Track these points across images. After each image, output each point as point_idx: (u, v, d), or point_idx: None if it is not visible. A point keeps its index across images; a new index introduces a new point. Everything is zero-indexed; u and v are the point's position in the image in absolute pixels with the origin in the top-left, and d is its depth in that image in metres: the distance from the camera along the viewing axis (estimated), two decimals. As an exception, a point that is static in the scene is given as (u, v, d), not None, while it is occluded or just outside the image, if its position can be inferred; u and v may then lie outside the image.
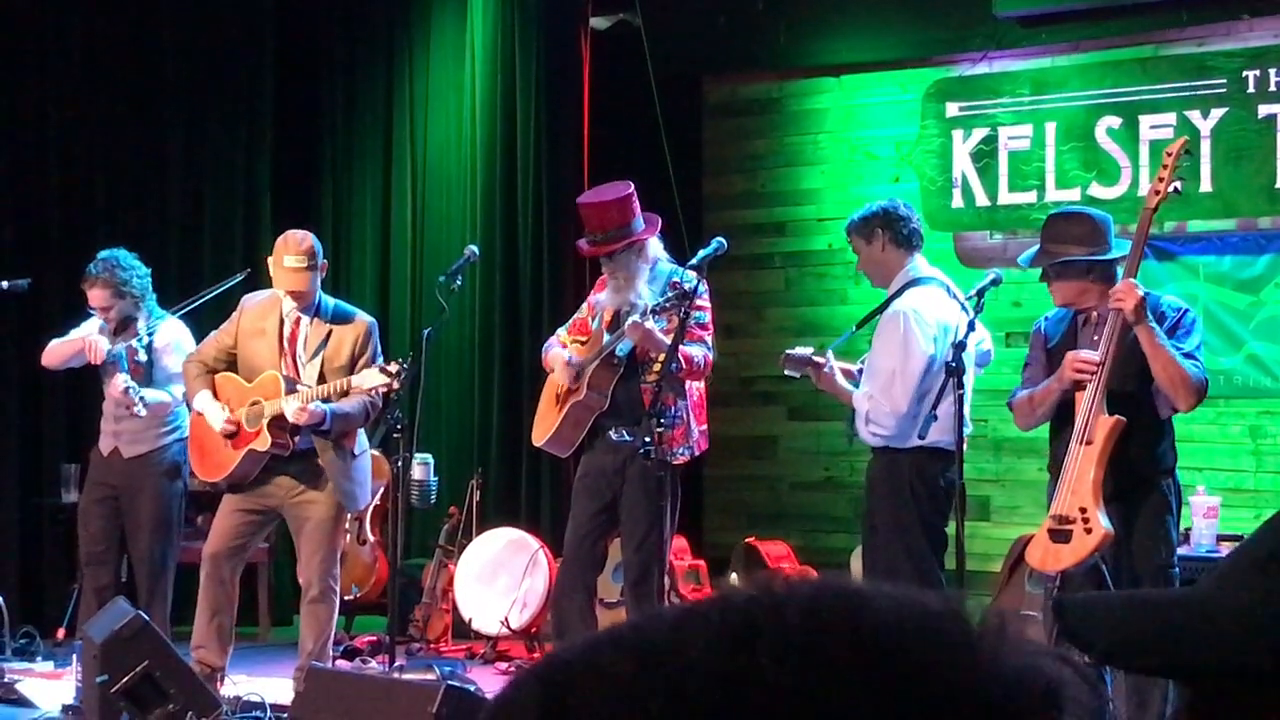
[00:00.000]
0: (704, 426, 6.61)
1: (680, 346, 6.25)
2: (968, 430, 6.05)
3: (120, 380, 7.12)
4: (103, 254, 7.31)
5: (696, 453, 6.60)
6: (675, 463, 6.36)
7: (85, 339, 7.29)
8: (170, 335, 7.36)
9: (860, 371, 6.20)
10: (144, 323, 7.32)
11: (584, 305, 6.90)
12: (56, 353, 7.41)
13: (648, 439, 6.07)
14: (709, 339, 6.50)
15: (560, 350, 6.68)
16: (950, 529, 5.97)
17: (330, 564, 6.66)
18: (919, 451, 5.92)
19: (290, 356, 6.66)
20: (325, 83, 10.03)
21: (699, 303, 6.38)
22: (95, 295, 7.29)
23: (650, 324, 6.27)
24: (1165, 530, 5.54)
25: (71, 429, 8.82)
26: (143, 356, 7.26)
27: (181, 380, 7.13)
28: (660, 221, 6.67)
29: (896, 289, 6.16)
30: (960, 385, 5.69)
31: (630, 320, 6.29)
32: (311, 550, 6.64)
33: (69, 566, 8.31)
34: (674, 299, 6.32)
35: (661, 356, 6.27)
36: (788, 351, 6.27)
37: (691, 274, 6.38)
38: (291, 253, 6.59)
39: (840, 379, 6.17)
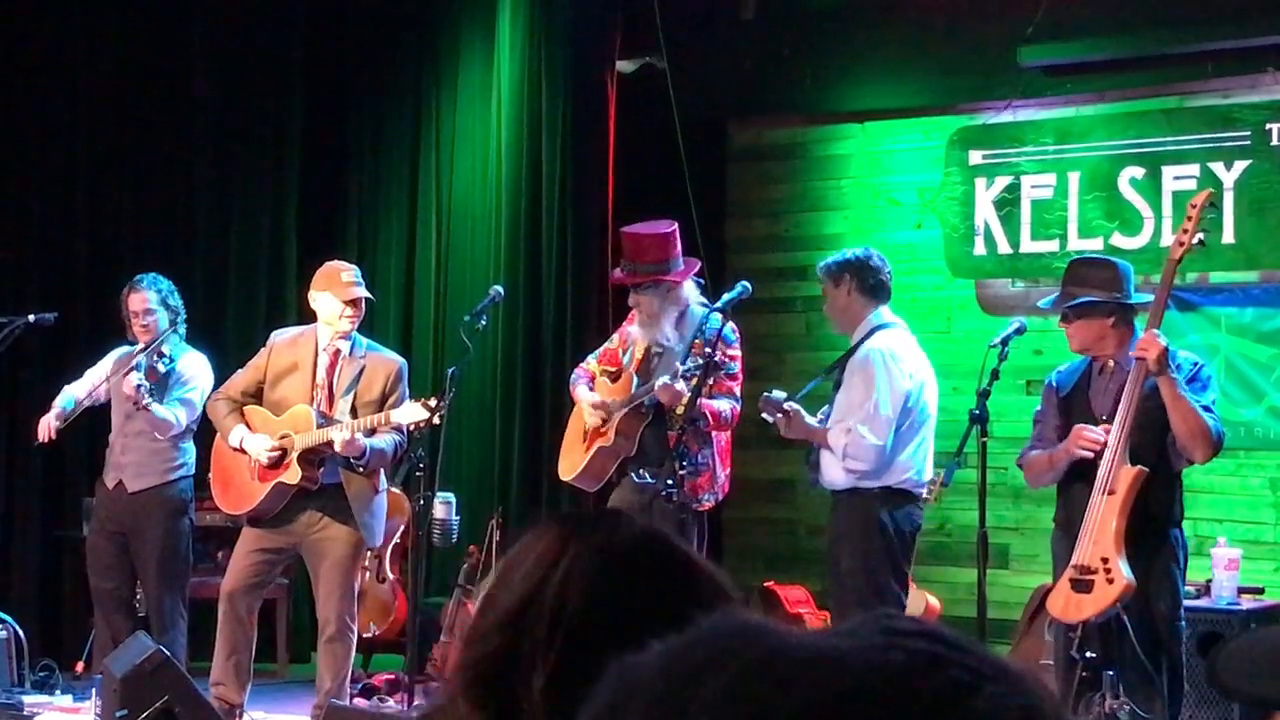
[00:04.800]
0: (728, 470, 6.64)
1: (707, 400, 6.32)
2: (931, 476, 6.14)
3: (133, 376, 7.06)
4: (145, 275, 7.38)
5: (721, 497, 6.64)
6: (700, 509, 6.39)
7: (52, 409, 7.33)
8: (193, 364, 7.36)
9: (823, 420, 6.26)
10: (170, 349, 7.31)
11: (615, 336, 6.95)
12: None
13: (670, 481, 6.10)
14: (738, 389, 6.55)
15: (586, 390, 6.72)
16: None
17: (348, 601, 6.67)
18: (886, 492, 6.02)
19: (326, 389, 6.67)
20: (352, 122, 10.07)
21: (730, 352, 6.43)
22: (138, 299, 7.25)
23: (680, 386, 6.32)
24: (1173, 582, 5.55)
25: (93, 463, 8.82)
26: (162, 368, 7.24)
27: (189, 412, 7.13)
28: (697, 266, 6.72)
29: (862, 335, 6.26)
30: (985, 434, 5.75)
31: (661, 382, 6.34)
32: (330, 588, 6.65)
33: (89, 600, 8.31)
34: (703, 368, 6.33)
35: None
36: (765, 394, 6.30)
37: (717, 316, 6.43)
38: (345, 270, 6.70)
39: (809, 419, 6.23)
